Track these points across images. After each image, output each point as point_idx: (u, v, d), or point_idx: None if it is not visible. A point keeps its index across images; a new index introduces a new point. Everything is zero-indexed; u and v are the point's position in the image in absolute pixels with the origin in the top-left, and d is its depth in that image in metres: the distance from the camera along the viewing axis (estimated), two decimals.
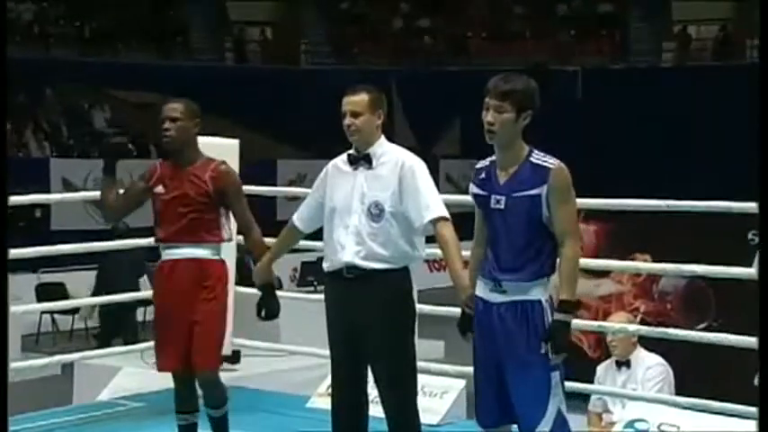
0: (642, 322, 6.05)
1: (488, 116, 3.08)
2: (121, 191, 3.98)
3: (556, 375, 3.05)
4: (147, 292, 8.42)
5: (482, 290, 3.13)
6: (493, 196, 3.11)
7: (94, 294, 9.68)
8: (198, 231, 3.78)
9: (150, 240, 5.41)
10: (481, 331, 3.13)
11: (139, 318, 11.13)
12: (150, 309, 11.54)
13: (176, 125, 3.80)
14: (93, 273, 10.48)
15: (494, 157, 3.18)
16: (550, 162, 3.08)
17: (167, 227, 3.81)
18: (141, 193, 3.90)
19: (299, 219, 3.62)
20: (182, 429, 3.92)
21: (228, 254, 4.46)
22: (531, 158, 3.09)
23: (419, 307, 4.87)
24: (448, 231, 3.35)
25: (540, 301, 3.07)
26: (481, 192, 3.16)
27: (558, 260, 3.09)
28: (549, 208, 3.04)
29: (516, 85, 3.08)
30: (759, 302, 2.75)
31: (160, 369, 3.89)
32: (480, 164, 3.21)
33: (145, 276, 10.92)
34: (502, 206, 3.08)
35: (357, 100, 3.43)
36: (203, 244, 3.79)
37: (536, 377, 3.03)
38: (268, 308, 3.71)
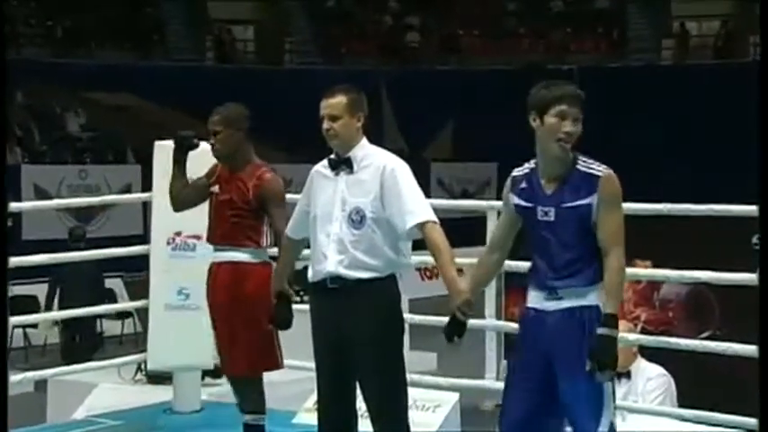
0: (643, 331, 6.06)
1: (568, 125, 3.08)
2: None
3: (609, 386, 3.09)
4: (114, 305, 8.47)
5: (535, 300, 3.15)
6: (539, 207, 3.11)
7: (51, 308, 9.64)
8: (238, 236, 4.03)
9: (114, 251, 5.43)
10: (532, 341, 3.14)
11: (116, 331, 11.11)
12: (128, 321, 11.52)
13: (218, 138, 4.06)
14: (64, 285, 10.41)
15: (531, 164, 3.18)
16: (599, 169, 3.10)
17: (214, 229, 4.10)
18: (203, 189, 4.15)
19: (290, 229, 3.67)
20: (245, 428, 4.13)
21: None
22: (579, 165, 3.10)
23: (410, 317, 4.89)
24: (438, 235, 3.34)
25: (597, 307, 3.09)
26: (526, 203, 3.15)
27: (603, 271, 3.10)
28: (598, 216, 3.06)
29: (581, 92, 3.13)
30: (759, 304, 2.76)
31: (220, 371, 4.23)
32: (517, 172, 3.21)
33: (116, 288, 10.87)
34: (551, 218, 3.09)
35: (335, 103, 3.44)
36: (243, 248, 4.02)
37: (593, 384, 3.05)
38: (279, 318, 3.78)
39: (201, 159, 4.27)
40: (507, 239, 3.28)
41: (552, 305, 3.11)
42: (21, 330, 11.08)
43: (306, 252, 3.84)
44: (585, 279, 3.07)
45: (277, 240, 3.98)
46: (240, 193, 4.02)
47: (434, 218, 3.37)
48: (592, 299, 3.09)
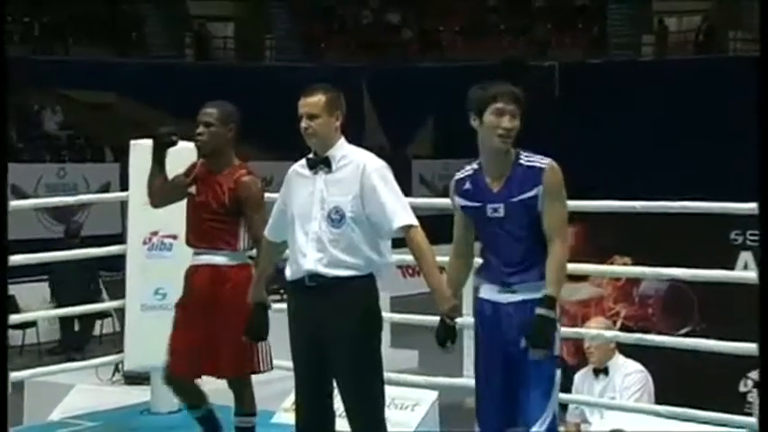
0: (623, 327, 6.10)
1: (506, 122, 3.16)
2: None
3: (558, 371, 3.17)
4: (90, 306, 8.45)
5: (488, 293, 3.22)
6: (488, 205, 3.18)
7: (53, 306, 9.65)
8: (215, 239, 3.96)
9: (91, 251, 5.40)
10: (490, 333, 3.21)
11: (96, 331, 11.07)
12: (107, 321, 11.49)
13: (209, 130, 3.96)
14: (44, 284, 10.38)
15: (474, 165, 3.25)
16: (541, 162, 3.18)
17: (192, 231, 4.04)
18: (181, 187, 4.08)
19: (269, 231, 3.65)
20: (199, 422, 4.06)
21: None
22: (521, 160, 3.19)
23: (391, 315, 4.90)
24: (421, 239, 3.36)
25: None
26: (473, 203, 3.22)
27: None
28: (542, 206, 3.14)
29: (520, 90, 3.21)
30: (759, 304, 2.77)
31: (173, 373, 4.00)
32: (460, 174, 3.28)
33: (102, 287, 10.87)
34: (501, 214, 3.17)
35: (313, 102, 3.44)
36: (220, 251, 3.96)
37: (544, 370, 3.12)
38: (255, 328, 3.73)
39: (179, 157, 4.21)
40: (468, 239, 3.35)
41: (506, 297, 3.18)
42: None
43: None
44: (539, 273, 3.15)
45: (255, 245, 3.94)
46: (216, 195, 3.95)
47: (415, 220, 3.39)
48: (545, 292, 3.15)
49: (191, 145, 4.79)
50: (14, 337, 11.23)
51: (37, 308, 9.80)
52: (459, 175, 3.28)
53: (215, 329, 3.92)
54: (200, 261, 4.00)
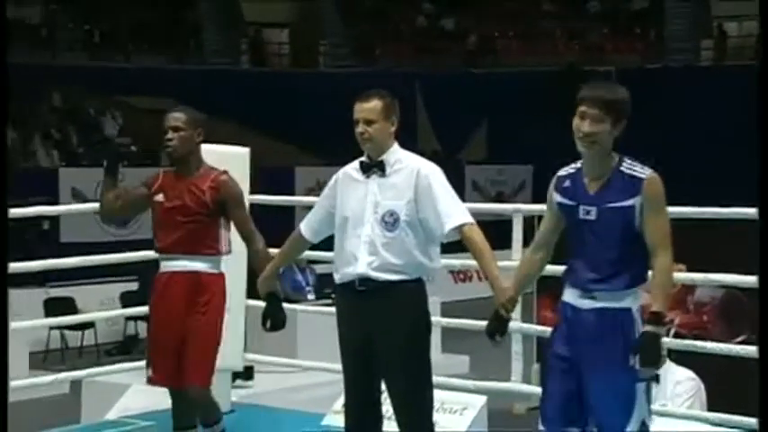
0: (677, 334, 6.03)
1: (585, 126, 3.14)
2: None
3: (642, 386, 3.12)
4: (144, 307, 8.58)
5: (571, 296, 3.20)
6: (582, 206, 3.16)
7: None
8: (195, 243, 3.89)
9: (147, 254, 5.50)
10: (567, 335, 3.19)
11: None
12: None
13: (179, 135, 3.93)
14: (103, 287, 10.57)
15: (578, 165, 3.23)
16: (643, 172, 3.14)
17: (165, 237, 3.94)
18: (141, 199, 4.03)
19: (307, 228, 3.66)
20: None
21: (237, 266, 4.54)
22: (623, 168, 3.15)
23: (442, 320, 4.92)
24: (477, 236, 3.39)
25: (630, 310, 3.13)
26: (568, 201, 3.20)
27: (650, 272, 3.14)
28: (642, 219, 3.10)
29: (615, 94, 3.17)
30: (759, 304, 2.76)
31: (151, 382, 3.98)
32: (563, 171, 3.26)
33: None
34: (593, 217, 3.14)
35: (370, 107, 3.48)
36: (200, 256, 3.91)
37: (621, 386, 3.09)
38: (273, 318, 3.78)
39: (227, 160, 4.23)
40: (551, 238, 3.31)
41: (587, 303, 3.15)
42: (57, 332, 11.27)
43: (324, 255, 3.87)
44: (622, 283, 3.12)
45: (245, 241, 3.94)
46: (195, 198, 3.89)
47: (472, 219, 3.42)
48: (627, 302, 3.13)
49: (239, 149, 4.84)
50: (73, 338, 11.49)
51: (94, 309, 9.99)
52: (562, 172, 3.26)
53: (190, 338, 3.86)
54: (176, 267, 3.90)
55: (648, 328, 3.07)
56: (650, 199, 3.11)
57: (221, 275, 3.95)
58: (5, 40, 3.09)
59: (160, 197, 3.95)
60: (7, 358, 2.77)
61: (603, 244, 3.12)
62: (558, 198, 3.23)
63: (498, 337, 3.30)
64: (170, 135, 3.93)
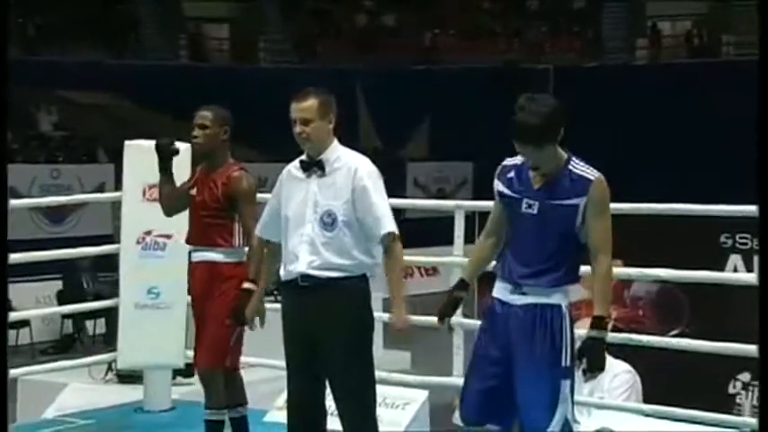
0: (613, 328, 6.12)
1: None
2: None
3: (567, 383, 3.14)
4: (83, 305, 8.48)
5: (500, 292, 3.21)
6: (525, 200, 3.15)
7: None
8: (211, 235, 4.07)
9: (100, 248, 5.44)
10: (494, 330, 3.20)
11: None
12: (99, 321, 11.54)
13: (204, 132, 4.09)
14: (39, 284, 10.39)
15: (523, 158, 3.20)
16: (592, 173, 3.13)
17: (190, 229, 4.16)
18: (185, 193, 4.19)
19: (260, 229, 3.68)
20: (206, 425, 4.11)
21: (179, 262, 4.56)
22: (571, 166, 3.14)
23: (384, 315, 4.93)
24: (400, 250, 3.45)
25: (560, 306, 3.15)
26: (511, 193, 3.19)
27: (582, 268, 3.17)
28: (585, 220, 3.10)
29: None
30: (759, 304, 2.79)
31: (194, 365, 4.25)
32: (508, 161, 3.24)
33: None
34: (534, 211, 3.13)
35: (306, 106, 3.46)
36: (216, 248, 4.05)
37: (547, 381, 3.11)
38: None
39: (178, 158, 4.28)
40: (501, 225, 3.30)
41: (516, 299, 3.17)
42: None
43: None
44: (553, 280, 3.13)
45: (247, 239, 4.01)
46: (211, 193, 4.07)
47: (397, 230, 3.45)
48: (557, 298, 3.15)
49: (187, 145, 4.84)
50: (8, 336, 11.26)
51: (30, 307, 9.81)
52: (507, 162, 3.25)
53: (202, 322, 4.09)
54: (197, 258, 4.13)
55: (593, 333, 3.10)
56: (595, 200, 3.10)
57: (240, 264, 4.03)
58: (5, 40, 3.04)
59: (194, 191, 4.14)
60: (6, 358, 2.74)
61: (540, 239, 3.12)
62: (500, 187, 3.23)
63: (448, 320, 3.34)
64: (196, 132, 4.09)
